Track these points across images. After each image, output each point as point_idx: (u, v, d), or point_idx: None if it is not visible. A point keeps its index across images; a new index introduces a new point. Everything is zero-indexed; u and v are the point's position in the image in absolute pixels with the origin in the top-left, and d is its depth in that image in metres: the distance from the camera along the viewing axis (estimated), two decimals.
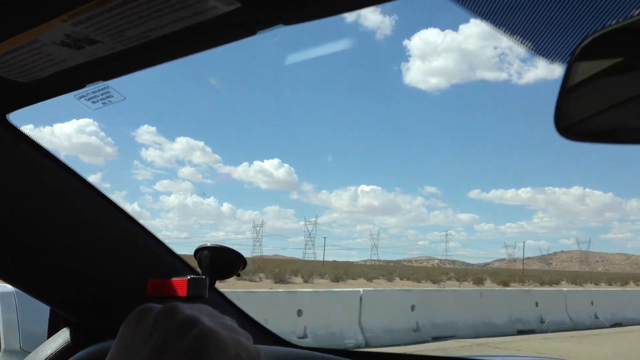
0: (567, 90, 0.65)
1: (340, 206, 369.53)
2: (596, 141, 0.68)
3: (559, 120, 0.67)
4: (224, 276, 1.16)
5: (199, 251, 1.14)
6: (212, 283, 1.14)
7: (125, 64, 0.84)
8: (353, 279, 46.12)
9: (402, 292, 14.15)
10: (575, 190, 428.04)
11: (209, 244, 1.14)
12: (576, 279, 63.19)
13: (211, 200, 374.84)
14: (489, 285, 45.70)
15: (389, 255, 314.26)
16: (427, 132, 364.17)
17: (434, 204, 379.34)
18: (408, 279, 51.45)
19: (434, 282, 47.97)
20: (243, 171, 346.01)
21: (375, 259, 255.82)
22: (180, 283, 0.97)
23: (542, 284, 52.49)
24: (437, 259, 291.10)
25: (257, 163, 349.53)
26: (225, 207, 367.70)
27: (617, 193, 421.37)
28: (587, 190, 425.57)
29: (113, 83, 0.90)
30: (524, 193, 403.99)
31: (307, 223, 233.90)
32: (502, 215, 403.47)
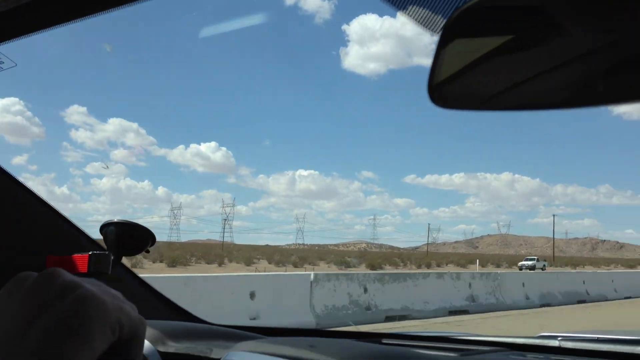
0: (440, 60, 0.67)
1: (278, 190, 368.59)
2: (470, 108, 0.70)
3: (433, 90, 0.68)
4: (132, 252, 1.14)
5: (105, 227, 1.12)
6: (118, 259, 1.11)
7: (15, 25, 0.78)
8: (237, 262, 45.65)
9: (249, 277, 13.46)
10: (506, 176, 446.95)
11: (115, 219, 1.12)
12: (498, 261, 66.34)
13: (146, 184, 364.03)
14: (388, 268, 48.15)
15: (326, 239, 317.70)
16: (365, 117, 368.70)
17: (370, 189, 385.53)
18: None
19: (295, 265, 48.50)
20: (179, 154, 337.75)
21: (301, 242, 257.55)
22: (81, 259, 0.95)
23: (428, 266, 55.71)
24: (365, 243, 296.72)
25: (193, 146, 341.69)
26: (161, 190, 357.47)
27: (543, 179, 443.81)
28: (517, 176, 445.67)
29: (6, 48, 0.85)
30: (457, 178, 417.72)
31: (225, 206, 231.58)
32: (436, 200, 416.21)
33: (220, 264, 43.58)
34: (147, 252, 1.19)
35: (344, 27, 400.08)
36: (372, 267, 46.99)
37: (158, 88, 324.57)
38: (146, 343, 1.17)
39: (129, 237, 1.12)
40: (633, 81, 0.53)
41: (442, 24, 0.66)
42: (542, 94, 0.63)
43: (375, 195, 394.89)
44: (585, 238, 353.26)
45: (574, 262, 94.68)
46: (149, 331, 1.26)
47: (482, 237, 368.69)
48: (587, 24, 0.54)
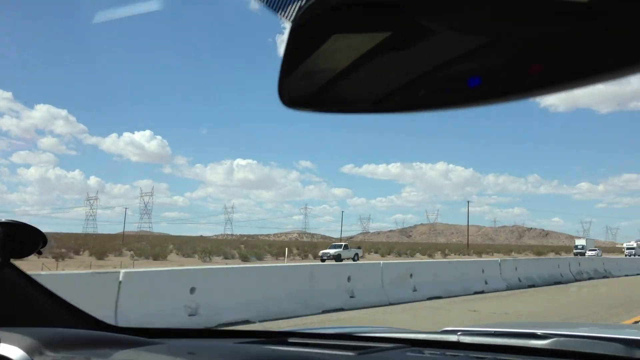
0: (290, 60, 0.64)
1: (216, 180, 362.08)
2: (321, 111, 0.67)
3: (283, 91, 0.67)
4: (20, 255, 1.15)
5: None
6: (6, 261, 1.16)
7: None
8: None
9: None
10: (440, 165, 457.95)
11: (2, 220, 1.11)
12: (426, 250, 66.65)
13: (76, 174, 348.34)
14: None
15: (263, 229, 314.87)
16: None
17: (308, 178, 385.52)
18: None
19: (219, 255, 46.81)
20: (112, 143, 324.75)
21: (230, 233, 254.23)
22: None
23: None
24: (297, 233, 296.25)
25: (127, 134, 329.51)
26: (93, 180, 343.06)
27: (476, 169, 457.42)
28: (451, 165, 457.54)
29: None
30: (394, 168, 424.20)
31: (144, 195, 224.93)
32: (373, 190, 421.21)
33: (101, 258, 41.11)
34: (40, 253, 1.24)
35: (280, 12, 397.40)
36: (245, 259, 43.77)
37: (88, 74, 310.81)
38: (20, 352, 1.19)
39: (18, 237, 1.13)
40: (509, 78, 0.52)
41: (295, 13, 0.64)
42: (406, 96, 0.60)
43: (313, 185, 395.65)
44: (513, 226, 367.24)
45: (494, 250, 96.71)
46: (25, 339, 1.25)
47: (415, 226, 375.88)
48: (445, 24, 0.53)
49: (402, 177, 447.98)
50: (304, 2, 0.59)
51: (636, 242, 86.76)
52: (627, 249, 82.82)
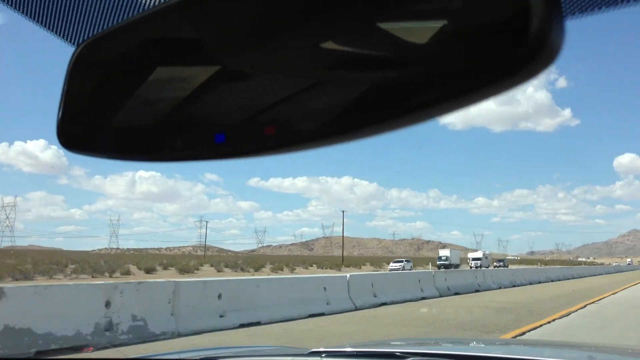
0: (68, 99, 0.61)
1: (116, 192, 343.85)
2: (112, 158, 0.63)
3: (61, 130, 0.61)
4: None
5: None
6: None
7: None
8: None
9: None
10: (346, 180, 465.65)
11: None
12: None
13: None
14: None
15: (161, 243, 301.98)
16: None
17: (214, 191, 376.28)
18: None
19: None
20: (2, 152, 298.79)
21: (115, 247, 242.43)
22: None
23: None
24: (191, 246, 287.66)
25: (18, 144, 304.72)
26: None
27: (380, 183, 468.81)
28: (356, 180, 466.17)
29: None
30: (301, 182, 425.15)
31: (4, 205, 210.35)
32: (280, 203, 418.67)
33: None
34: None
35: None
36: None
37: None
38: None
39: None
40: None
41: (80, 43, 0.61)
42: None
43: (219, 198, 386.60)
44: (412, 239, 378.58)
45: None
46: None
47: (317, 239, 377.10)
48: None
49: (308, 191, 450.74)
50: (91, 28, 0.56)
51: (483, 253, 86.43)
52: (473, 259, 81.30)
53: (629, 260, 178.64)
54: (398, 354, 1.78)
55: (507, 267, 64.11)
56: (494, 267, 70.82)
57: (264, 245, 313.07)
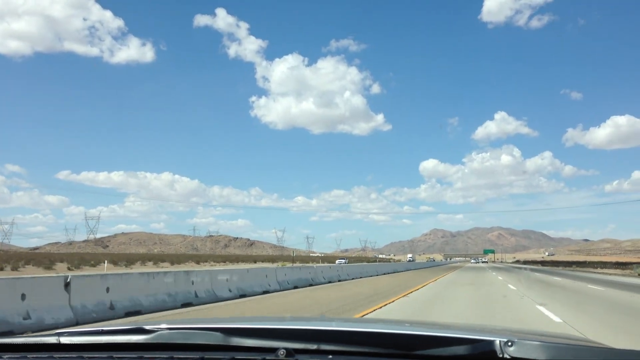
0: None
1: None
2: None
3: None
4: None
5: None
6: None
7: None
8: None
9: None
10: (166, 175, 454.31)
11: None
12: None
13: None
14: None
15: None
16: (10, 101, 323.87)
17: (17, 184, 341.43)
18: None
19: None
20: None
21: None
22: None
23: None
24: None
25: None
26: None
27: (202, 180, 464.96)
28: (177, 176, 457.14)
29: None
30: (117, 176, 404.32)
31: None
32: (93, 198, 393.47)
33: None
34: None
35: None
36: None
37: None
38: None
39: None
40: None
41: None
42: None
43: (22, 191, 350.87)
44: (220, 235, 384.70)
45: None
46: None
47: (115, 235, 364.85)
48: None
49: (125, 186, 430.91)
50: None
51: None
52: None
53: (409, 256, 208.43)
54: (148, 329, 1.81)
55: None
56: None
57: (68, 242, 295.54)
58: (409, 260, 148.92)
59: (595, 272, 65.71)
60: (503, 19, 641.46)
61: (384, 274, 44.20)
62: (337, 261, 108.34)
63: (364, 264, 35.91)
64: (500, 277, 37.70)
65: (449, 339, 1.72)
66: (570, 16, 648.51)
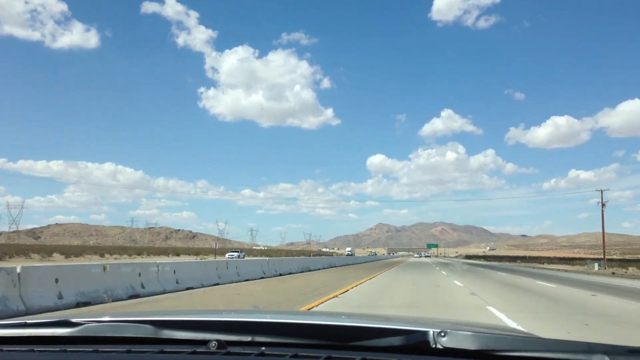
0: None
1: None
2: None
3: None
4: None
5: None
6: None
7: None
8: None
9: None
10: (108, 166, 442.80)
11: None
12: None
13: None
14: None
15: None
16: None
17: None
18: None
19: None
20: None
21: None
22: None
23: None
24: None
25: None
26: None
27: (146, 171, 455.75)
28: (120, 166, 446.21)
29: None
30: (56, 165, 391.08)
31: None
32: (30, 188, 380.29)
33: None
34: None
35: None
36: None
37: None
38: None
39: None
40: None
41: None
42: None
43: None
44: (160, 227, 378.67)
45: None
46: None
47: (48, 226, 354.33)
48: None
49: (65, 176, 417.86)
50: None
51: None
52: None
53: (348, 249, 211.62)
54: (74, 321, 1.77)
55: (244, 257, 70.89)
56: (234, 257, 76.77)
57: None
58: (348, 254, 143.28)
59: (547, 269, 64.60)
60: (452, 18, 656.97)
61: (300, 272, 33.69)
62: (227, 254, 79.44)
63: (271, 258, 32.11)
64: (458, 282, 24.84)
65: (383, 330, 1.77)
66: (516, 18, 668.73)
